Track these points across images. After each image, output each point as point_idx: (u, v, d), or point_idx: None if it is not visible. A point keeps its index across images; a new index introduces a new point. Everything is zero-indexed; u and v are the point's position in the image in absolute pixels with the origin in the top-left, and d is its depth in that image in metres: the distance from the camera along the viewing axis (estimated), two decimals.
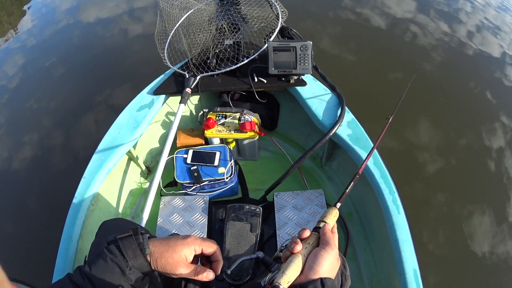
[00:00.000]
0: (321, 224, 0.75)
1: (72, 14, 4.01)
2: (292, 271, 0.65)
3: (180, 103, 1.63)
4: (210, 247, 0.75)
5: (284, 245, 0.75)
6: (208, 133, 1.77)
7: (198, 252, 0.74)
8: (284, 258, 0.70)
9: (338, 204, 0.82)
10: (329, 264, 0.68)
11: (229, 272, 0.75)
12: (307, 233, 0.73)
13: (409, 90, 1.42)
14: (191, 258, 0.73)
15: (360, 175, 1.44)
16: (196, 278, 0.73)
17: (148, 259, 0.68)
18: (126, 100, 1.71)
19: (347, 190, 0.87)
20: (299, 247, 0.69)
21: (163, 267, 0.69)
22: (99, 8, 3.98)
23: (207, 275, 0.74)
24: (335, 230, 0.77)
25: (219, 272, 0.76)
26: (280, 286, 0.63)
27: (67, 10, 4.12)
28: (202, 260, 0.79)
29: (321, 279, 0.65)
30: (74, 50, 3.45)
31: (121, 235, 0.70)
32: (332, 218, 0.77)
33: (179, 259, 0.70)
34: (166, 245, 0.70)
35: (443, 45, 3.19)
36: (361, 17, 3.46)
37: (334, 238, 0.73)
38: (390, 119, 1.24)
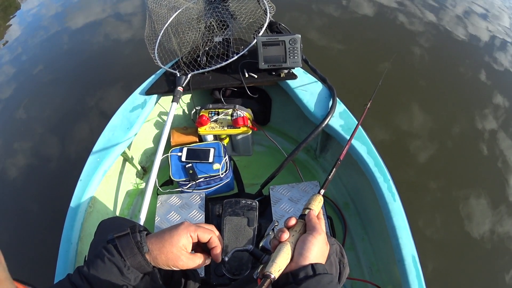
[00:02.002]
0: (306, 211, 0.75)
1: (59, 21, 3.98)
2: (282, 259, 0.65)
3: (172, 102, 1.63)
4: (206, 233, 0.72)
5: (267, 233, 0.75)
6: (201, 130, 1.77)
7: (195, 239, 0.72)
8: (273, 248, 0.69)
9: (322, 191, 0.82)
10: (318, 248, 0.68)
11: (226, 259, 0.75)
12: (293, 221, 0.73)
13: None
14: (190, 247, 0.71)
15: (353, 164, 1.47)
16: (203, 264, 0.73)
17: (147, 257, 0.67)
18: (119, 102, 1.71)
19: (329, 177, 0.87)
20: (286, 235, 0.69)
21: (165, 263, 0.68)
22: (85, 14, 3.96)
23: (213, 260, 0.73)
24: (321, 216, 0.77)
25: (220, 258, 0.74)
26: (271, 275, 0.63)
27: (54, 18, 4.09)
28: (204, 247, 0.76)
29: (312, 265, 0.65)
30: (63, 57, 3.44)
31: (119, 233, 0.68)
32: (316, 204, 0.77)
33: (179, 252, 0.68)
34: (162, 240, 0.68)
35: (431, 30, 3.18)
36: (348, 6, 3.44)
37: (320, 223, 0.73)
38: (368, 105, 1.25)
